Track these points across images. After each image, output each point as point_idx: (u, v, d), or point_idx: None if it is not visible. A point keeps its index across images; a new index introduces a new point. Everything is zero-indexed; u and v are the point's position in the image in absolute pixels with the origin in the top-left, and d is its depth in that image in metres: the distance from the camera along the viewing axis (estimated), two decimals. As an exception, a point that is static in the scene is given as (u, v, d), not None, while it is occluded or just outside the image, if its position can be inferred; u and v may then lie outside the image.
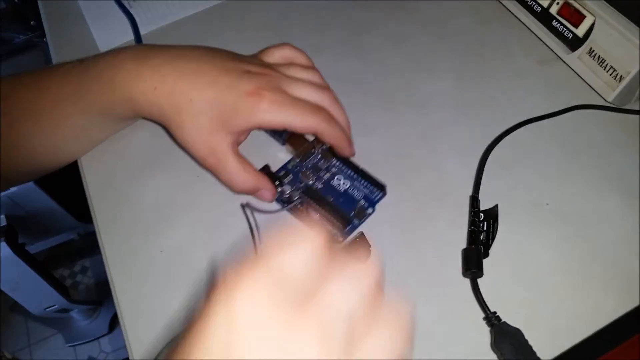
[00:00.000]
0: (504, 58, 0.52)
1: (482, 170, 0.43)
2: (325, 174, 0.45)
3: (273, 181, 0.43)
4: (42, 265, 1.14)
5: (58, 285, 1.20)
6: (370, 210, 0.43)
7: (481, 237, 0.40)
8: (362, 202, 0.43)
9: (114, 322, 1.36)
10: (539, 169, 0.44)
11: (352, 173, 0.45)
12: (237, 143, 0.42)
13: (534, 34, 0.52)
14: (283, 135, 0.47)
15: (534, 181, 0.43)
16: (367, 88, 0.51)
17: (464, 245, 0.40)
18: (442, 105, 0.49)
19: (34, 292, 1.16)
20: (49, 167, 0.49)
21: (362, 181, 0.44)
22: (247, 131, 0.43)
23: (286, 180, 0.44)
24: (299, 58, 0.46)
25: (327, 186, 0.44)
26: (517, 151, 0.45)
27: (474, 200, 0.41)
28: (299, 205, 0.43)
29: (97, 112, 0.44)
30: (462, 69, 0.51)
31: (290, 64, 0.45)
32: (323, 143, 0.45)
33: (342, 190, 0.44)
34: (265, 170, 0.44)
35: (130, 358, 0.39)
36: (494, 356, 0.36)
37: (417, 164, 0.45)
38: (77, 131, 0.46)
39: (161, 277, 0.42)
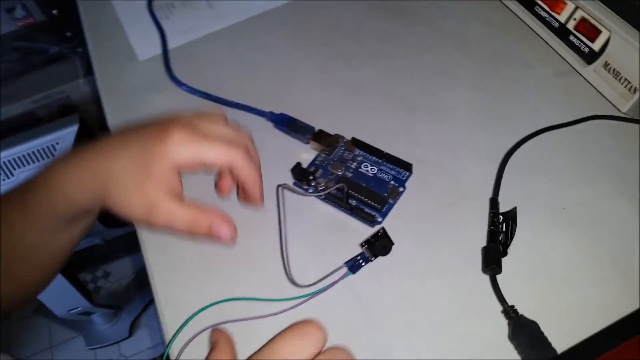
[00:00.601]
0: (521, 69, 0.54)
1: (502, 173, 0.46)
2: (352, 163, 0.48)
3: (307, 177, 0.46)
4: (68, 268, 1.17)
5: (82, 289, 1.23)
6: (401, 189, 0.46)
7: (500, 237, 0.42)
8: (393, 182, 0.46)
9: (134, 327, 1.39)
10: (556, 175, 0.46)
11: (377, 159, 0.48)
12: (173, 191, 0.40)
13: (551, 47, 0.54)
14: (306, 135, 0.50)
15: (550, 186, 0.45)
16: (388, 96, 0.54)
17: (483, 244, 0.42)
18: (461, 113, 0.52)
19: (59, 294, 1.19)
20: (31, 292, 0.50)
21: (388, 164, 0.48)
22: (172, 175, 0.40)
23: (318, 174, 0.47)
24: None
25: (356, 174, 0.47)
26: (535, 158, 0.47)
27: (494, 202, 0.44)
28: (334, 192, 0.45)
29: (43, 218, 0.43)
30: (480, 78, 0.54)
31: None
32: (343, 137, 0.49)
33: (372, 175, 0.47)
34: (297, 168, 0.47)
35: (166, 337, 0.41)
36: (511, 347, 0.38)
37: (437, 168, 0.48)
38: (33, 247, 0.46)
39: (198, 269, 0.44)
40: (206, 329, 0.41)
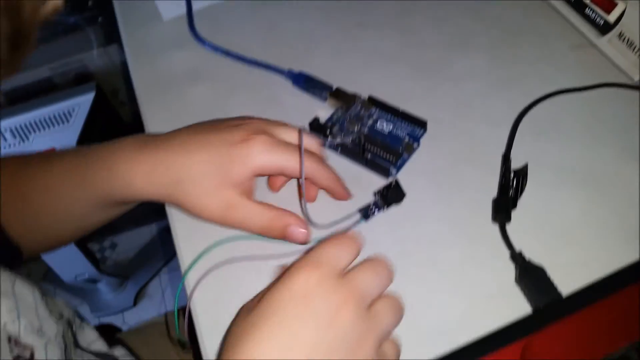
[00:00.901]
0: (537, 41, 0.56)
1: (515, 131, 0.47)
2: (368, 120, 0.50)
3: (324, 131, 0.48)
4: (78, 235, 1.19)
5: (90, 256, 1.26)
6: (416, 145, 0.48)
7: (510, 191, 0.43)
8: (408, 138, 0.48)
9: (139, 297, 1.41)
10: (566, 137, 0.48)
11: (393, 117, 0.50)
12: (248, 193, 0.42)
13: (567, 20, 0.56)
14: (324, 92, 0.52)
15: (560, 148, 0.47)
16: (405, 61, 0.55)
17: (493, 197, 0.44)
18: (476, 79, 0.53)
19: (68, 260, 1.21)
20: (58, 242, 0.52)
21: (404, 122, 0.49)
22: (250, 179, 0.42)
23: (334, 130, 0.48)
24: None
25: (372, 130, 0.49)
26: (547, 120, 0.49)
27: (506, 158, 0.45)
28: (350, 146, 0.47)
29: (95, 198, 0.45)
30: (497, 48, 0.56)
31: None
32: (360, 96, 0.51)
33: (387, 132, 0.49)
34: (315, 122, 0.48)
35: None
36: (518, 291, 0.39)
37: (451, 129, 0.49)
38: (74, 215, 0.47)
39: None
40: (220, 264, 0.42)
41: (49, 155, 0.48)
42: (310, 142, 0.44)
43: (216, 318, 0.40)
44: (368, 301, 0.33)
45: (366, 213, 0.44)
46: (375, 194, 0.44)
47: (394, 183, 0.43)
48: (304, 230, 0.41)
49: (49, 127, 1.01)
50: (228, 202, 0.41)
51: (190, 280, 0.43)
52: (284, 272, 0.33)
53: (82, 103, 1.01)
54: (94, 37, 1.14)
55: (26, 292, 0.40)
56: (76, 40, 1.14)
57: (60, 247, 0.54)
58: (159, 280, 1.45)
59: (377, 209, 0.44)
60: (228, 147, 0.41)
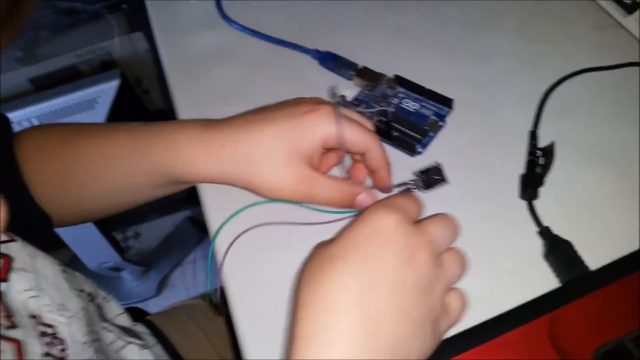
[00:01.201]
0: (561, 21, 0.55)
1: (542, 108, 0.47)
2: (394, 99, 0.50)
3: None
4: (104, 224, 1.21)
5: (115, 244, 1.27)
6: (441, 123, 0.48)
7: (537, 168, 0.43)
8: (433, 117, 0.48)
9: (161, 286, 1.42)
10: (592, 115, 0.47)
11: (418, 96, 0.50)
12: (316, 166, 0.43)
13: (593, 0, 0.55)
14: (350, 71, 0.52)
15: (586, 126, 0.47)
16: (431, 41, 0.56)
17: (520, 174, 0.44)
18: (501, 59, 0.53)
19: (93, 247, 1.23)
20: (93, 215, 0.53)
21: (429, 101, 0.49)
22: (318, 151, 0.42)
23: (361, 108, 0.49)
24: None
25: (398, 109, 0.49)
26: (573, 99, 0.49)
27: (533, 134, 0.45)
28: (376, 124, 0.47)
29: (152, 173, 0.45)
30: (522, 29, 0.55)
31: None
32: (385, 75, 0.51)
33: (413, 110, 0.49)
34: (342, 99, 0.48)
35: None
36: (545, 265, 0.39)
37: (477, 107, 0.49)
38: (130, 186, 0.47)
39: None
40: (251, 228, 0.43)
41: (105, 126, 0.48)
42: (367, 122, 0.44)
43: (245, 281, 0.41)
44: (439, 250, 0.34)
45: (406, 190, 0.44)
46: (416, 174, 0.44)
47: (437, 166, 0.43)
48: (370, 196, 0.42)
49: (74, 114, 1.02)
50: (299, 176, 0.41)
51: (219, 246, 0.43)
52: (360, 215, 0.33)
53: (107, 90, 1.02)
54: (118, 25, 1.15)
55: (47, 268, 0.40)
56: (101, 28, 1.16)
57: (91, 220, 0.54)
58: (182, 270, 1.46)
59: (415, 188, 0.44)
60: (296, 119, 0.41)
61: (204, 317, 0.70)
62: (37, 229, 0.48)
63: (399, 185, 0.44)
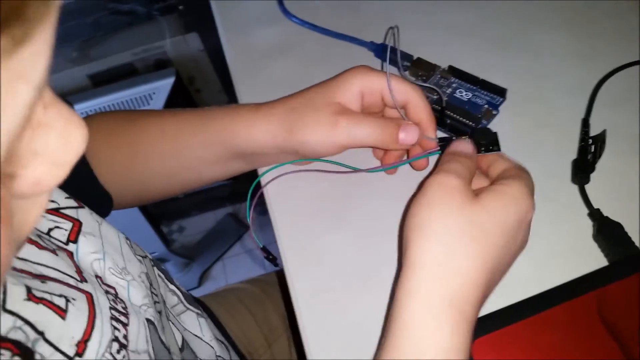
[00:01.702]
0: (612, 17, 0.57)
1: (595, 97, 0.48)
2: (448, 89, 0.52)
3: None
4: (152, 215, 1.26)
5: (162, 236, 1.32)
6: (495, 112, 0.49)
7: (589, 155, 0.45)
8: (487, 106, 0.50)
9: (203, 278, 1.46)
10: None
11: (472, 86, 0.52)
12: (355, 107, 0.45)
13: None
14: (405, 63, 0.54)
15: (637, 116, 0.48)
16: (485, 36, 0.58)
17: (572, 160, 0.45)
18: (553, 53, 0.55)
19: (141, 237, 1.27)
20: (153, 195, 0.54)
21: (482, 91, 0.51)
22: (357, 99, 0.44)
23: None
24: None
25: (452, 98, 0.51)
26: (623, 91, 0.50)
27: (585, 122, 0.47)
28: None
29: (214, 141, 0.47)
30: (572, 25, 0.57)
31: None
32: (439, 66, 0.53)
33: (466, 100, 0.51)
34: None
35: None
36: (595, 246, 0.41)
37: (529, 98, 0.51)
38: (192, 160, 0.49)
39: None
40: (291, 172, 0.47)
41: (169, 109, 0.51)
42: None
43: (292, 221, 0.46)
44: None
45: (442, 145, 0.43)
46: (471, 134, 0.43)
47: (493, 133, 0.43)
48: (414, 137, 0.43)
49: (131, 107, 1.06)
50: (336, 111, 0.43)
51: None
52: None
53: (162, 87, 1.07)
54: (173, 25, 1.20)
55: (112, 235, 0.43)
56: (156, 28, 1.20)
57: (151, 201, 0.57)
58: (223, 264, 1.50)
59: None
60: (334, 78, 0.45)
61: (252, 300, 0.72)
62: (98, 207, 0.51)
63: (443, 140, 0.44)
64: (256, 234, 0.46)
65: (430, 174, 0.37)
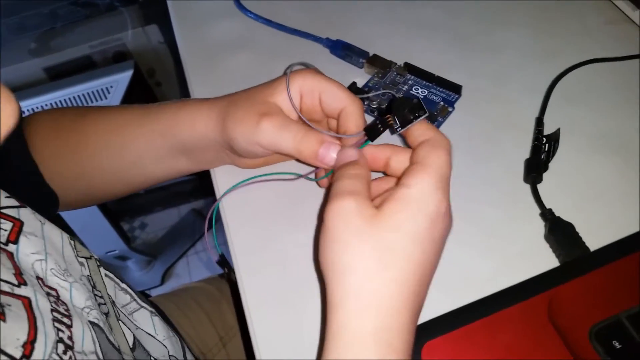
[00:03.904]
0: (573, 16, 0.57)
1: (549, 96, 0.48)
2: (403, 86, 0.51)
3: (361, 95, 0.49)
4: (111, 212, 1.23)
5: (122, 233, 1.29)
6: (450, 109, 0.49)
7: (542, 155, 0.45)
8: (442, 103, 0.49)
9: (166, 276, 1.44)
10: (599, 105, 0.49)
11: (428, 83, 0.51)
12: (284, 111, 0.42)
13: (603, -4, 0.57)
14: (360, 60, 0.53)
15: (593, 115, 0.48)
16: (444, 33, 0.57)
17: (525, 159, 0.45)
18: (513, 51, 0.54)
19: (100, 235, 1.24)
20: (98, 194, 0.53)
21: (438, 88, 0.51)
22: (294, 97, 0.42)
23: (371, 94, 0.50)
24: None
25: (407, 95, 0.50)
26: (580, 89, 0.50)
27: (539, 121, 0.46)
28: (384, 107, 0.49)
29: (159, 133, 0.46)
30: (534, 24, 0.57)
31: None
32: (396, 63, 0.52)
33: (422, 97, 0.50)
34: (353, 87, 0.50)
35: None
36: (546, 247, 0.41)
37: (485, 95, 0.51)
38: (137, 155, 0.48)
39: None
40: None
41: (112, 107, 0.50)
42: None
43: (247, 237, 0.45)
44: None
45: (371, 132, 0.40)
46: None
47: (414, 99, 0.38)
48: (333, 152, 0.40)
49: (87, 103, 1.04)
50: (263, 111, 0.41)
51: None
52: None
53: (120, 80, 1.04)
54: (132, 17, 1.17)
55: (54, 234, 0.41)
56: (115, 20, 1.18)
57: (98, 202, 0.55)
58: (186, 261, 1.48)
59: (382, 128, 0.39)
60: (279, 77, 0.43)
61: (207, 299, 0.71)
62: (43, 206, 0.49)
63: (365, 129, 0.40)
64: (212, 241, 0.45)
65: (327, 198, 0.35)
